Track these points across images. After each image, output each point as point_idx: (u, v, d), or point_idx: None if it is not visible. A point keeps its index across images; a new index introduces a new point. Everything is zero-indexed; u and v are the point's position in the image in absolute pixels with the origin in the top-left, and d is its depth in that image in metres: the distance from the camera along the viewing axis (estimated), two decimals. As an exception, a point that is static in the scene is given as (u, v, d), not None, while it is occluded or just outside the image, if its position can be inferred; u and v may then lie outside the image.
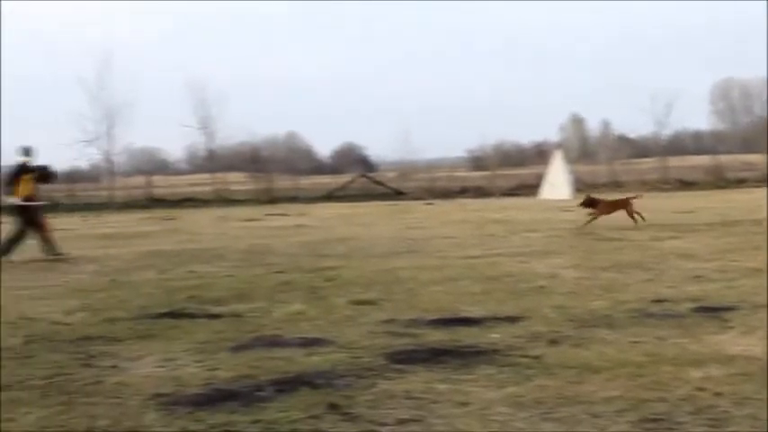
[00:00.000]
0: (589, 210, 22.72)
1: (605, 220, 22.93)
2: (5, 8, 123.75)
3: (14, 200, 18.45)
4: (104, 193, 52.83)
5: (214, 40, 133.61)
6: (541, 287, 11.82)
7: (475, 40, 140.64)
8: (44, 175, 19.24)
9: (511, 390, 6.59)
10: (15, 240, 18.37)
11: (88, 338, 9.15)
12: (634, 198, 23.32)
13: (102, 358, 8.19)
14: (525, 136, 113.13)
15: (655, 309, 9.82)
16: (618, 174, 54.23)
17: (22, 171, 18.67)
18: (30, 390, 7.08)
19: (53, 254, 18.22)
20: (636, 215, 22.35)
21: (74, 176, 56.62)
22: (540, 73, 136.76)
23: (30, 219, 18.44)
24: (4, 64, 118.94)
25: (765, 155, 54.40)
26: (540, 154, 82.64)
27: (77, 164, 66.28)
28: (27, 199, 18.50)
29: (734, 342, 8.02)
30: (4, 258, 17.59)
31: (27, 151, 18.84)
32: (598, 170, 57.17)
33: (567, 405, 6.16)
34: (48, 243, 18.51)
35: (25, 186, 18.54)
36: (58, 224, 33.26)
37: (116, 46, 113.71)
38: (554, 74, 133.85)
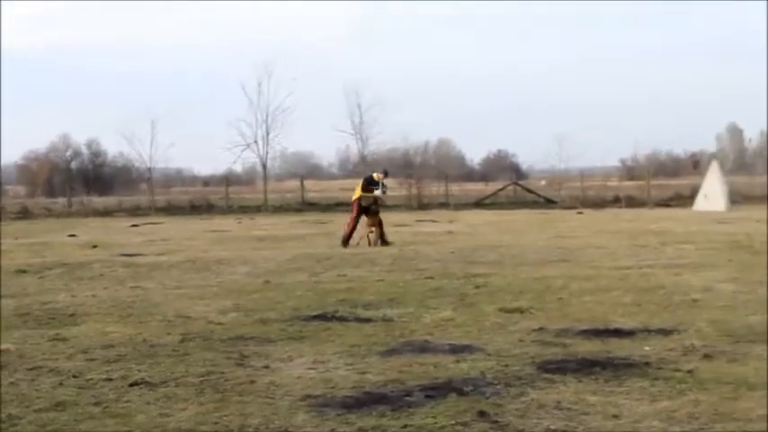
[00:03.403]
0: None
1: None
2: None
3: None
4: (258, 196, 53.74)
5: (370, 48, 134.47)
6: (695, 300, 11.57)
7: (628, 47, 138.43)
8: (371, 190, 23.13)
9: (664, 404, 6.49)
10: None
11: (242, 338, 9.37)
12: None
13: (254, 358, 8.37)
14: (680, 146, 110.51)
15: (815, 326, 9.50)
16: (776, 186, 52.49)
17: (371, 183, 23.04)
18: (185, 386, 7.27)
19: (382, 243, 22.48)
20: None
21: (229, 179, 57.76)
22: (695, 82, 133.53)
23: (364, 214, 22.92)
24: (166, 65, 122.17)
25: None
26: (694, 164, 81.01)
27: (233, 167, 67.84)
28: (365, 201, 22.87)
29: None
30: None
31: (385, 173, 23.96)
32: (756, 182, 55.41)
33: (722, 422, 6.03)
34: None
35: (359, 190, 23.03)
36: (214, 225, 34.11)
37: (276, 52, 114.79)
38: (710, 83, 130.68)
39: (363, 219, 22.87)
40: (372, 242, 22.51)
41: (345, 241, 22.47)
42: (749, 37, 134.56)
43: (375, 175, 23.46)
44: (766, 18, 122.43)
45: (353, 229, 22.74)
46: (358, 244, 22.29)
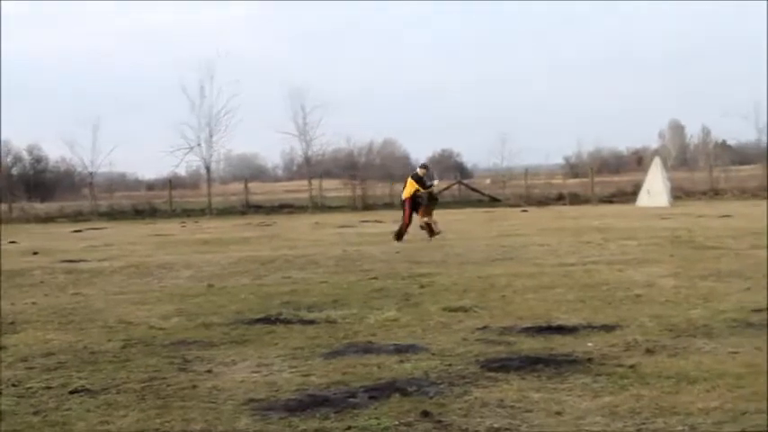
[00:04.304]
0: None
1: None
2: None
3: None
4: (202, 199, 53.40)
5: (314, 48, 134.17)
6: (638, 296, 11.67)
7: (571, 46, 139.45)
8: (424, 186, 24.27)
9: (606, 399, 6.52)
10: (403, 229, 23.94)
11: (184, 343, 9.29)
12: None
13: (197, 363, 8.30)
14: (623, 143, 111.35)
15: (755, 318, 9.63)
16: (717, 181, 53.21)
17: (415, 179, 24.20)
18: (126, 393, 7.19)
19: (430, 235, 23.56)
20: None
21: (173, 183, 57.36)
22: (639, 79, 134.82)
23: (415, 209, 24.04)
24: (106, 68, 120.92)
25: None
26: (638, 161, 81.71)
27: (177, 170, 67.36)
28: (413, 197, 23.90)
29: (837, 353, 7.82)
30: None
31: (425, 167, 25.27)
32: (697, 177, 56.12)
33: (664, 416, 6.06)
34: (426, 228, 23.85)
35: (410, 188, 23.99)
36: (158, 229, 33.87)
37: (218, 54, 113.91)
38: (654, 80, 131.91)
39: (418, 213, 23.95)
40: (435, 230, 23.65)
41: (400, 236, 23.57)
42: (690, 36, 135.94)
43: (419, 171, 24.68)
44: (766, 19, 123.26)
45: (408, 224, 23.78)
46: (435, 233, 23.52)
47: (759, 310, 10.10)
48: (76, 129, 66.15)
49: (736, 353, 7.96)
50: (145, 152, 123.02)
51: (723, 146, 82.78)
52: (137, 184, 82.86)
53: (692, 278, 13.18)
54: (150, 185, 76.99)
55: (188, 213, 49.03)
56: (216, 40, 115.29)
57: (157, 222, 42.37)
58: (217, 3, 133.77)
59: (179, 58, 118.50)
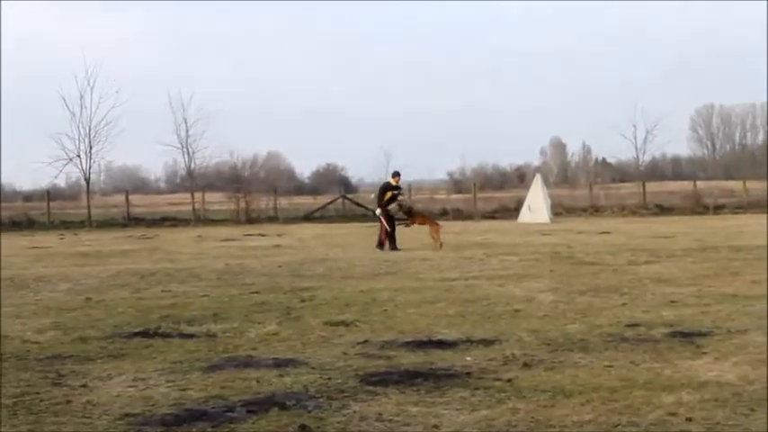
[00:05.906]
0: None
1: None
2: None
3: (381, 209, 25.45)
4: (82, 211, 52.40)
5: (197, 60, 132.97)
6: (517, 310, 11.81)
7: (457, 60, 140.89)
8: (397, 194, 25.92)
9: (483, 413, 6.57)
10: (392, 236, 24.95)
11: (59, 357, 9.10)
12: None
13: (72, 377, 8.14)
14: (506, 159, 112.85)
15: (629, 333, 9.82)
16: (597, 198, 54.22)
17: (389, 188, 25.70)
18: (-3, 408, 7.01)
19: (394, 248, 24.49)
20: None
21: (52, 194, 56.22)
22: (522, 96, 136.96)
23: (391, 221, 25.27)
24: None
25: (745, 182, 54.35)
26: (520, 177, 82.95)
27: (56, 182, 66.01)
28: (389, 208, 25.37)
29: (707, 368, 8.03)
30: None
31: (396, 174, 26.47)
32: (578, 194, 57.10)
33: (539, 429, 6.15)
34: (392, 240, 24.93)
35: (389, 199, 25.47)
36: (35, 242, 33.15)
37: (99, 64, 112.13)
38: (536, 97, 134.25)
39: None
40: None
41: (392, 242, 24.73)
42: (574, 53, 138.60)
43: (392, 180, 26.14)
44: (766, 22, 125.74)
45: (387, 231, 24.83)
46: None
47: (634, 325, 10.32)
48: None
49: (610, 367, 8.12)
50: (22, 162, 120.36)
51: (603, 164, 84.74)
52: (14, 195, 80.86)
53: (570, 293, 13.40)
54: (28, 196, 75.19)
55: (67, 225, 48.05)
56: (97, 50, 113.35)
57: (35, 234, 41.44)
58: (97, 12, 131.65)
59: (58, 66, 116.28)
